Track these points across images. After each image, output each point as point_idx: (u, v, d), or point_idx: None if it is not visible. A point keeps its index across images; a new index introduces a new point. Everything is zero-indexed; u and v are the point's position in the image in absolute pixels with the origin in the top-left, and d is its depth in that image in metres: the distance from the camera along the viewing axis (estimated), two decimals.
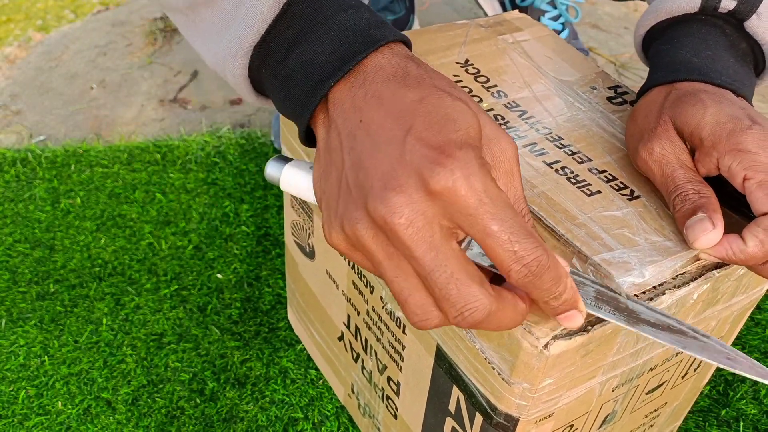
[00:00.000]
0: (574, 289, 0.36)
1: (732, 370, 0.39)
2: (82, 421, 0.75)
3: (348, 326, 0.65)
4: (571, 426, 0.50)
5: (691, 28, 0.52)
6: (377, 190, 0.34)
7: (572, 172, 0.50)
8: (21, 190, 1.01)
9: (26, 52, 1.30)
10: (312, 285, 0.70)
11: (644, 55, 0.59)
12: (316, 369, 0.79)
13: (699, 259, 0.45)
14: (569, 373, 0.43)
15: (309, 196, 0.42)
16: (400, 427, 0.62)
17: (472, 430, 0.49)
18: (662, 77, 0.50)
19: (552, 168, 0.51)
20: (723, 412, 0.76)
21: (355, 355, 0.66)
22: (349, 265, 0.59)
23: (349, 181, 0.35)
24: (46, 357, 0.80)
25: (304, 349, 0.81)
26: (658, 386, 0.55)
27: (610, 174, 0.51)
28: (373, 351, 0.61)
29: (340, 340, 0.68)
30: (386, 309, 0.55)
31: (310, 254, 0.67)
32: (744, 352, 0.81)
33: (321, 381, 0.78)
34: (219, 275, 0.89)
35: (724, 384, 0.79)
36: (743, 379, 0.79)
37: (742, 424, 0.75)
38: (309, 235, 0.65)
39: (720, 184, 0.45)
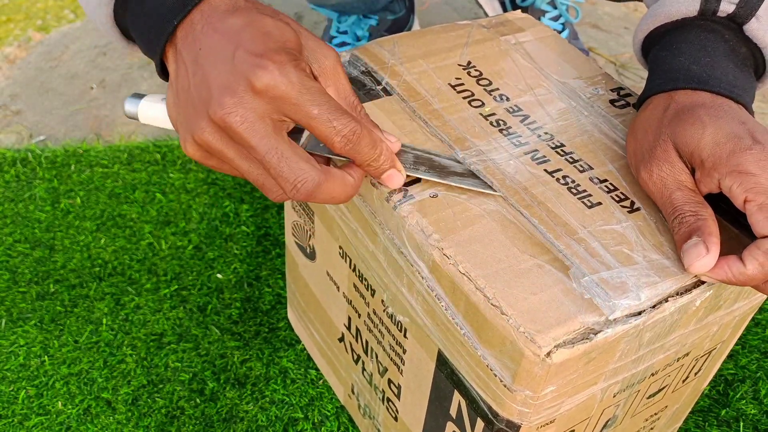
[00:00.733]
0: (390, 152, 0.45)
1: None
2: (82, 421, 0.75)
3: (349, 328, 0.64)
4: (572, 431, 0.50)
5: (690, 34, 0.52)
6: (215, 98, 0.41)
7: (573, 182, 0.50)
8: (21, 190, 1.00)
9: (26, 52, 1.30)
10: (312, 286, 0.70)
11: (644, 59, 0.58)
12: (316, 369, 0.79)
13: (697, 279, 0.45)
14: (571, 380, 0.43)
15: (167, 124, 0.48)
16: (401, 429, 0.62)
17: None
18: (661, 85, 0.50)
19: (553, 177, 0.51)
20: (723, 412, 0.76)
21: (355, 357, 0.66)
22: (350, 267, 0.59)
23: (194, 98, 0.42)
24: (46, 357, 0.80)
25: (304, 349, 0.81)
26: (659, 390, 0.55)
27: (611, 184, 0.50)
28: (373, 353, 0.61)
29: (340, 342, 0.68)
30: (387, 312, 0.55)
31: (311, 255, 0.67)
32: (744, 352, 0.81)
33: (321, 381, 0.78)
34: (219, 275, 0.89)
35: (724, 384, 0.79)
36: (743, 379, 0.79)
37: (742, 424, 0.75)
38: (310, 236, 0.65)
39: (724, 197, 0.45)
